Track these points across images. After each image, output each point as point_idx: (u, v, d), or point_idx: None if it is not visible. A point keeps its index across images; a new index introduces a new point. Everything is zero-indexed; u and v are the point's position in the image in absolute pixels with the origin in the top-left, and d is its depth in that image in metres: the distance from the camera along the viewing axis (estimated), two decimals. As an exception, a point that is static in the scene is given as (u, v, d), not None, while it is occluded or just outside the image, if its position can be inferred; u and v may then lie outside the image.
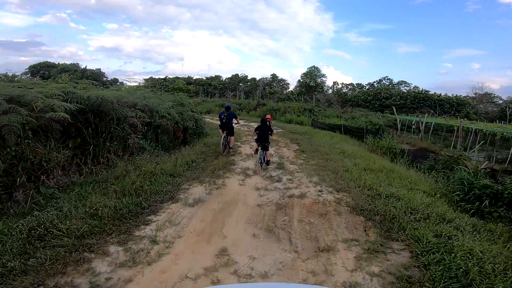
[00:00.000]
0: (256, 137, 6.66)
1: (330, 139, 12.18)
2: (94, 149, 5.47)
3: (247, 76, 56.32)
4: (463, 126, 16.07)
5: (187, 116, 9.63)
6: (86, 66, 50.61)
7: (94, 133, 5.66)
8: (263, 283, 2.34)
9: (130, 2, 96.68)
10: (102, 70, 52.51)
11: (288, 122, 19.19)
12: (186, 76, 56.74)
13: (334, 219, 4.09)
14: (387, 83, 48.34)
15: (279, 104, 26.36)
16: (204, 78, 56.18)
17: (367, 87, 49.38)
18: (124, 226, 3.55)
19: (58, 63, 50.22)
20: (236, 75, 56.56)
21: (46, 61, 51.33)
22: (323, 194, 5.10)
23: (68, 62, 50.96)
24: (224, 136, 7.75)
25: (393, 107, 22.15)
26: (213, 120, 20.14)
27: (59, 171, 4.57)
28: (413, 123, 17.89)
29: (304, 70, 46.90)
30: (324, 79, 44.85)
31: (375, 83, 49.20)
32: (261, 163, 6.42)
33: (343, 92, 46.95)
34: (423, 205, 4.28)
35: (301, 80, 42.42)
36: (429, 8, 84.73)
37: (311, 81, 40.88)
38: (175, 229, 3.62)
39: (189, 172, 5.96)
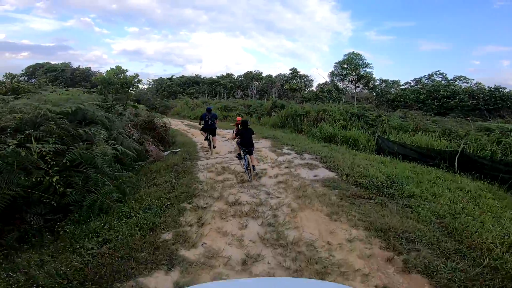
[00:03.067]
0: (239, 141, 6.23)
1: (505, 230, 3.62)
2: None
3: (261, 72, 47.85)
4: None
5: None
6: (79, 65, 45.22)
7: None
8: (273, 278, 2.29)
9: (149, 6, 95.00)
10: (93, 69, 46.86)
11: (327, 141, 10.48)
12: (194, 75, 49.62)
13: None
14: (438, 79, 37.80)
15: (305, 106, 17.31)
16: (214, 77, 48.48)
17: (412, 84, 39.11)
18: None
19: (55, 64, 45.16)
20: (250, 72, 48.23)
21: (47, 62, 46.62)
22: None
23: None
24: (208, 137, 8.05)
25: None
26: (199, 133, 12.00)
27: None
28: None
29: (340, 58, 33.97)
30: (369, 69, 32.19)
31: (423, 79, 38.85)
32: (248, 168, 5.82)
33: (383, 90, 36.64)
34: None
35: (335, 72, 31.56)
36: (452, 4, 74.49)
37: (352, 72, 29.90)
38: None
39: None
